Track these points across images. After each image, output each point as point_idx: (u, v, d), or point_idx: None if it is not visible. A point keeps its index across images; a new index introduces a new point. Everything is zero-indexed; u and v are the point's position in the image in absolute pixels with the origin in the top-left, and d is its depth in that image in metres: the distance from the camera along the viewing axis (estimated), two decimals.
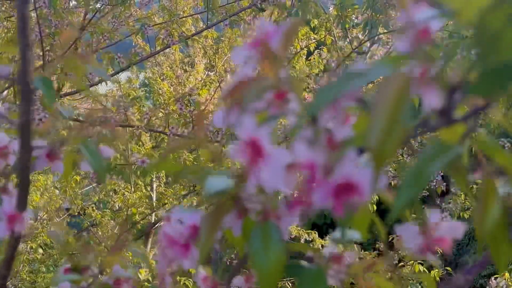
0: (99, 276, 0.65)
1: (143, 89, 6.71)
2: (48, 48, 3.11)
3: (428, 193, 4.63)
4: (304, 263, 0.42)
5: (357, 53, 3.92)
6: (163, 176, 4.81)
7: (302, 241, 4.97)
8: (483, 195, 0.33)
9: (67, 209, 5.05)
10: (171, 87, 5.44)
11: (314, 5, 2.12)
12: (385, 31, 4.43)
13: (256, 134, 0.31)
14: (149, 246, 4.66)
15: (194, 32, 4.56)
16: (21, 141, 0.48)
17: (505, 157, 0.33)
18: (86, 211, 4.63)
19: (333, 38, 4.29)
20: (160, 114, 4.20)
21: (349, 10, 3.78)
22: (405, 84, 0.28)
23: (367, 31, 3.68)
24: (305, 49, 4.71)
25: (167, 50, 4.72)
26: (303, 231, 4.94)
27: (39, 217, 4.52)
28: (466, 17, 0.29)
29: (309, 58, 4.95)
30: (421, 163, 0.30)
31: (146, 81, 5.82)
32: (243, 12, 3.53)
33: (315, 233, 5.02)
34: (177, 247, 0.42)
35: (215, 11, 3.52)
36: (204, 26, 4.20)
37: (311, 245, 4.99)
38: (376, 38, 4.42)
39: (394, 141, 0.27)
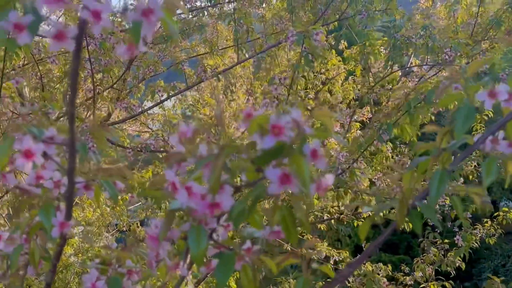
0: (118, 268, 0.96)
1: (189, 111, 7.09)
2: (98, 82, 3.52)
3: (441, 217, 4.80)
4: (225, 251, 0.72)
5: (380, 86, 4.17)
6: None
7: (332, 261, 5.18)
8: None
9: (116, 225, 5.48)
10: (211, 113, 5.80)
11: (321, 49, 2.41)
12: (418, 63, 4.68)
13: (172, 179, 0.62)
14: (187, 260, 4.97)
15: (233, 62, 4.93)
16: (68, 178, 0.81)
17: None
18: (130, 227, 5.01)
19: (361, 69, 4.55)
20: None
21: (371, 47, 4.05)
22: None
23: (388, 66, 3.94)
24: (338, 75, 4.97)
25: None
26: (333, 251, 5.15)
27: (90, 233, 4.92)
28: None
29: (343, 84, 5.17)
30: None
31: (187, 110, 6.21)
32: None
33: (346, 252, 5.23)
34: (153, 241, 0.74)
35: (245, 47, 3.88)
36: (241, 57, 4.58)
37: (341, 265, 5.20)
38: (406, 70, 4.67)
39: None
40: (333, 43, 4.83)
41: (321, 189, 0.60)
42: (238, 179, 0.66)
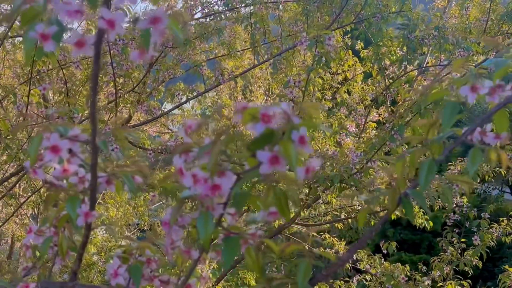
0: (138, 257, 1.05)
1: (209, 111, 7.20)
2: (120, 86, 3.64)
3: (460, 217, 4.83)
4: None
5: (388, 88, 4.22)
6: None
7: (350, 260, 5.23)
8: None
9: (137, 224, 5.62)
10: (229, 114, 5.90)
11: (334, 53, 2.49)
12: (433, 61, 4.71)
13: (179, 165, 0.71)
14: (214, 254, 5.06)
15: (251, 63, 5.02)
16: (91, 173, 0.90)
17: None
18: (151, 227, 5.13)
19: (378, 70, 4.60)
20: None
21: (386, 47, 4.11)
22: None
23: (402, 67, 3.99)
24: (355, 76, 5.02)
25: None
26: None
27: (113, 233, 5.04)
28: None
29: (361, 85, 5.20)
30: None
31: (206, 110, 6.32)
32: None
33: (363, 252, 5.28)
34: (166, 226, 0.83)
35: (261, 50, 3.97)
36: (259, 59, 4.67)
37: (358, 264, 5.24)
38: (422, 68, 4.71)
39: None
40: (349, 44, 4.88)
41: (309, 171, 0.68)
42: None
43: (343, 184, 3.15)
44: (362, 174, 3.19)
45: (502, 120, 0.86)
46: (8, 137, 2.22)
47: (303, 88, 2.83)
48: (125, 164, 0.93)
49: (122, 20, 0.71)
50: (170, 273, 1.07)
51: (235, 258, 0.90)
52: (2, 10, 3.60)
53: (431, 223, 4.91)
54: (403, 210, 0.89)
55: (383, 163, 3.06)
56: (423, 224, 4.86)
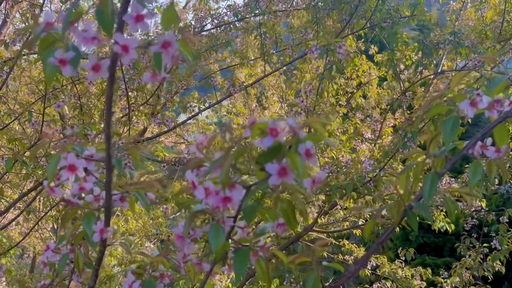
0: (152, 272, 1.07)
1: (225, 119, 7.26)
2: (133, 100, 3.69)
3: (477, 221, 4.78)
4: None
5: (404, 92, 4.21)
6: None
7: (369, 266, 5.21)
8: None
9: (157, 235, 5.68)
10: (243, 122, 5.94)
11: (345, 61, 2.52)
12: (449, 64, 4.69)
13: (192, 179, 0.74)
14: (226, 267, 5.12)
15: (264, 71, 5.05)
16: (106, 190, 0.93)
17: None
18: (169, 237, 5.16)
19: (393, 75, 4.59)
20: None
21: (401, 52, 4.11)
22: None
23: (417, 72, 3.99)
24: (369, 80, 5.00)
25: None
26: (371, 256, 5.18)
27: (129, 242, 5.08)
28: None
29: (377, 91, 5.18)
30: None
31: (222, 118, 6.37)
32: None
33: (383, 257, 5.25)
34: (179, 239, 0.85)
35: (273, 58, 4.01)
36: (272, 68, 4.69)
37: (378, 270, 5.22)
38: (438, 72, 4.70)
39: None
40: (363, 49, 4.87)
41: (316, 183, 0.71)
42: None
43: (357, 193, 3.15)
44: (376, 183, 3.19)
45: (502, 134, 0.87)
46: (25, 155, 2.27)
47: (315, 96, 2.84)
48: (137, 182, 0.96)
49: (135, 45, 0.74)
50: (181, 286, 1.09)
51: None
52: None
53: (453, 226, 4.87)
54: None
55: (386, 176, 3.06)
56: (444, 227, 4.82)
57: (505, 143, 0.88)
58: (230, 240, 0.85)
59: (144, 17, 0.70)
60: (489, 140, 0.91)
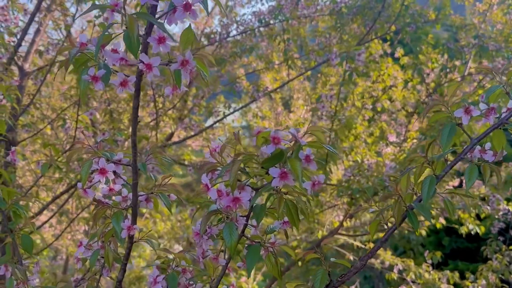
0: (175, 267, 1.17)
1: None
2: (160, 106, 3.81)
3: (504, 225, 4.75)
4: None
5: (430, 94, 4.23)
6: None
7: (396, 269, 5.21)
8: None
9: (184, 237, 5.81)
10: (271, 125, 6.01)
11: (364, 67, 2.58)
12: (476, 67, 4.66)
13: (206, 182, 0.83)
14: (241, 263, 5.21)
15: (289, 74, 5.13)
16: (133, 192, 1.02)
17: None
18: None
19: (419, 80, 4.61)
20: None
21: (426, 56, 4.14)
22: None
23: (443, 74, 4.02)
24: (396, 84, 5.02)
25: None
26: (397, 259, 5.19)
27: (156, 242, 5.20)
28: None
29: (402, 91, 5.19)
30: None
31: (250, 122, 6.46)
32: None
33: (410, 261, 5.24)
34: (196, 236, 0.94)
35: (295, 64, 4.09)
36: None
37: (404, 274, 5.21)
38: (464, 75, 4.71)
39: None
40: (389, 52, 4.90)
41: (316, 185, 0.80)
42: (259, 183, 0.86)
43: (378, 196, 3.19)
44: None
45: (499, 138, 0.94)
46: (59, 160, 2.40)
47: (336, 102, 2.91)
48: (161, 184, 1.06)
49: (157, 63, 0.85)
50: (202, 281, 1.18)
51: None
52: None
53: (483, 228, 4.84)
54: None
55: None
56: (474, 230, 4.79)
57: (502, 147, 0.95)
58: (244, 238, 0.94)
59: (165, 39, 0.80)
60: (488, 145, 0.98)
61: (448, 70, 4.17)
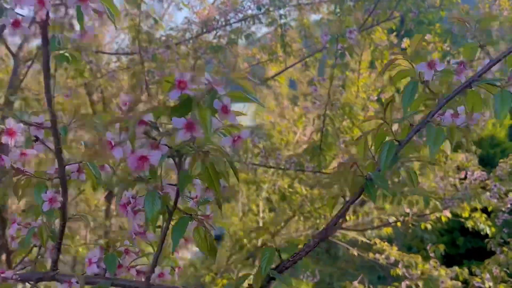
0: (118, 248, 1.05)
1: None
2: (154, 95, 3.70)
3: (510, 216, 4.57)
4: None
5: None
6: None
7: (400, 265, 5.06)
8: None
9: None
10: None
11: (357, 47, 2.45)
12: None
13: (109, 139, 0.71)
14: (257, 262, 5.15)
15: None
16: (58, 161, 0.91)
17: None
18: None
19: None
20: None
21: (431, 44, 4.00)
22: None
23: (446, 61, 3.86)
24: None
25: (272, 83, 5.28)
26: (404, 255, 5.05)
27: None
28: None
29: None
30: None
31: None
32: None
33: (418, 257, 5.10)
34: (122, 209, 0.83)
35: (292, 50, 3.97)
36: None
37: (411, 269, 5.07)
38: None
39: None
40: (395, 42, 4.76)
41: (237, 141, 0.67)
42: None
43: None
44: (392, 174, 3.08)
45: (475, 100, 0.81)
46: None
47: (329, 85, 2.78)
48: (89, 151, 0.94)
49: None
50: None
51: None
52: None
53: (493, 229, 4.69)
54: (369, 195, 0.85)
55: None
56: (485, 230, 4.64)
57: (479, 109, 0.82)
58: (177, 210, 0.82)
59: None
60: (461, 108, 0.85)
61: (452, 56, 4.01)
